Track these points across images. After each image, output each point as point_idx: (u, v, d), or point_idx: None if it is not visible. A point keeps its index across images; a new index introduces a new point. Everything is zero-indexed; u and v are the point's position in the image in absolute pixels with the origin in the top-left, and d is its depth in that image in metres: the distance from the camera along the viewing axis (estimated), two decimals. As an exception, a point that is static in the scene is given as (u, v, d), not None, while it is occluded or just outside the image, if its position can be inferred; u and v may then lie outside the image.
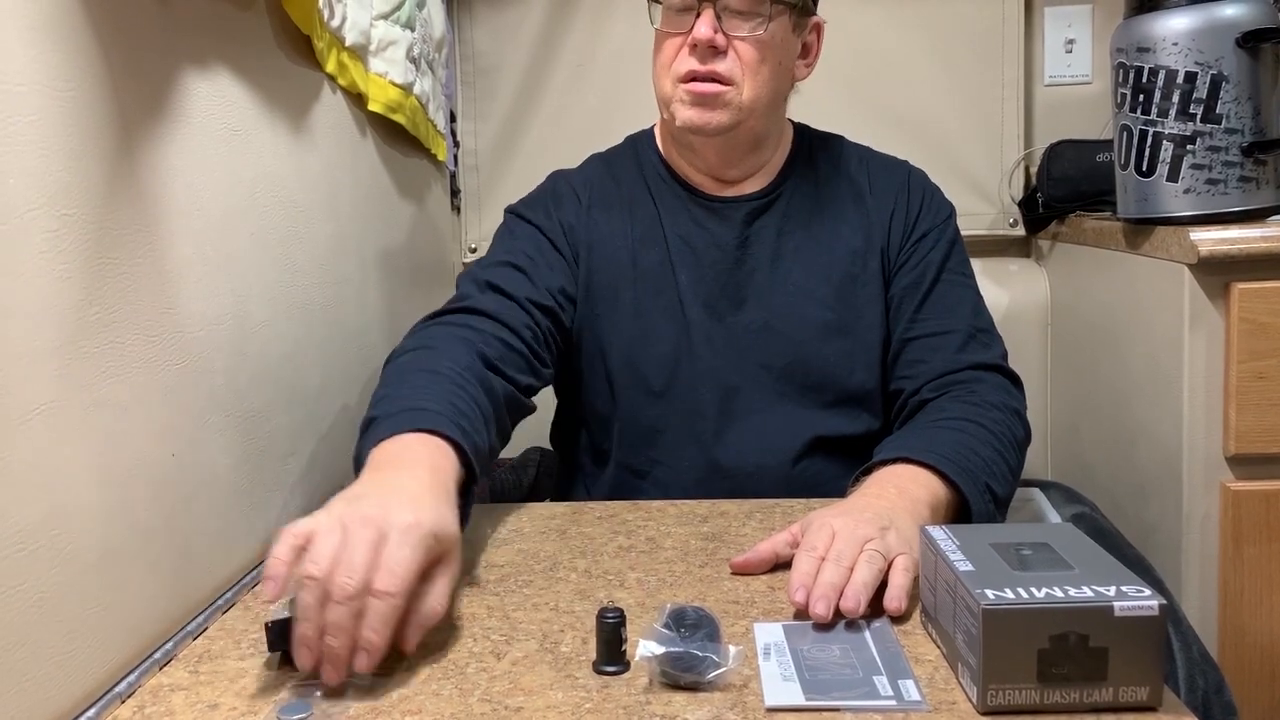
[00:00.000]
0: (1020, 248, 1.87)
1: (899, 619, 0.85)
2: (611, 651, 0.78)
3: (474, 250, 1.90)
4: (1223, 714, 1.11)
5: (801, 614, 0.85)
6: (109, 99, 0.78)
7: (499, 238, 1.28)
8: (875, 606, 0.85)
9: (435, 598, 0.78)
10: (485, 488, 1.07)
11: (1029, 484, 1.51)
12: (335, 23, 1.20)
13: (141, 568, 0.82)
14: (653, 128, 1.34)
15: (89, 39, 0.76)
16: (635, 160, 1.31)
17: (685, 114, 1.17)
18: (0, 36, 0.67)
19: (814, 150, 1.30)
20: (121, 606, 0.79)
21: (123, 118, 0.80)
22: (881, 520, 0.89)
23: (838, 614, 0.83)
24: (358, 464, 0.92)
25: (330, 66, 1.21)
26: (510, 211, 1.31)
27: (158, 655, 0.82)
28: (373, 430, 0.93)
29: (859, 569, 0.85)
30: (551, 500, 1.38)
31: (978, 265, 1.31)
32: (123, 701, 0.76)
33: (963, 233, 1.29)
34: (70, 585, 0.72)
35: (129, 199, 0.81)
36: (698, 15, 1.13)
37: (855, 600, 0.83)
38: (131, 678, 0.78)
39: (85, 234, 0.75)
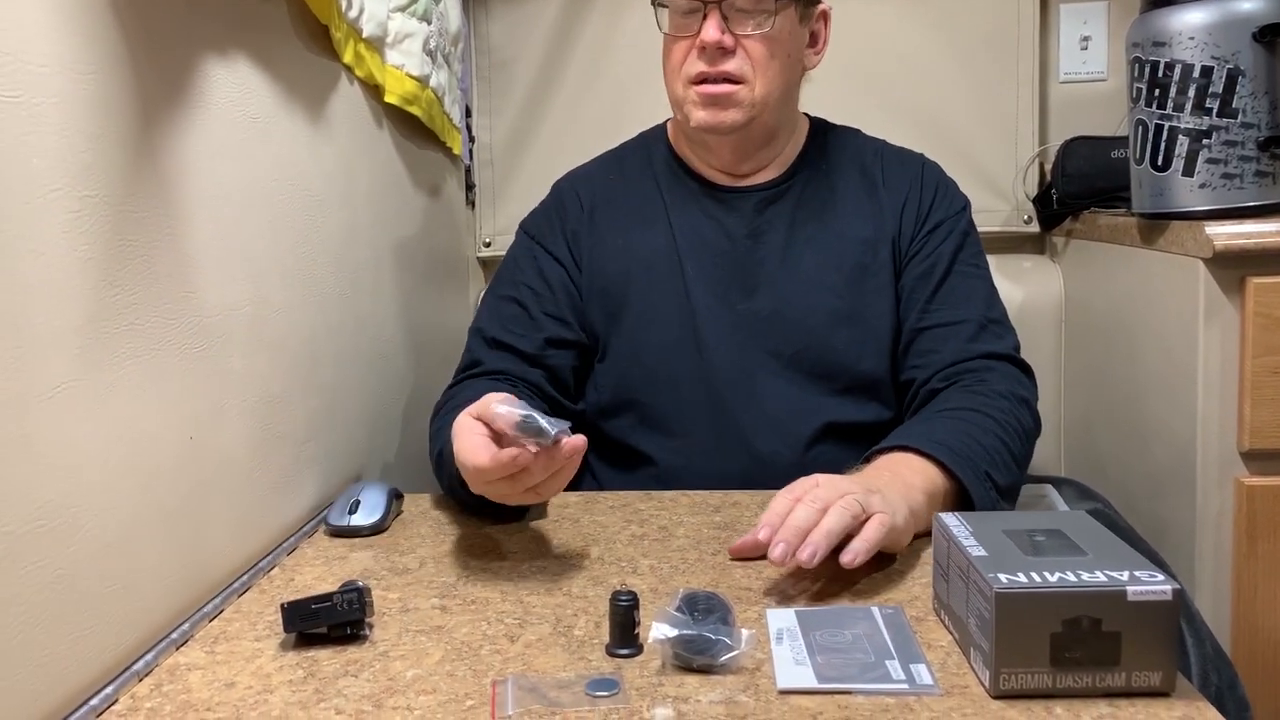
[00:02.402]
0: (1035, 244, 1.87)
1: (868, 596, 0.86)
2: (624, 634, 0.78)
3: (488, 244, 1.91)
4: (1236, 710, 1.10)
5: (814, 600, 0.85)
6: (130, 83, 0.79)
7: (508, 260, 1.33)
8: (881, 595, 0.85)
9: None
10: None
11: (1042, 480, 1.50)
12: (353, 14, 1.21)
13: (159, 549, 0.82)
14: (665, 123, 1.35)
15: (111, 22, 0.77)
16: (646, 155, 1.33)
17: (698, 115, 1.19)
18: (24, 18, 0.68)
19: (828, 142, 1.31)
20: (139, 586, 0.79)
21: (143, 102, 0.81)
22: (869, 486, 0.91)
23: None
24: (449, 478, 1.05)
25: (348, 57, 1.22)
26: (520, 227, 1.34)
27: (174, 635, 0.83)
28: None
29: (830, 514, 0.86)
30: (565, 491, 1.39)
31: (991, 261, 1.31)
32: (140, 679, 0.77)
33: (977, 229, 1.29)
34: (88, 563, 0.73)
35: (149, 182, 0.82)
36: (704, 17, 1.14)
37: (813, 547, 0.84)
38: (149, 656, 0.79)
39: (106, 216, 0.75)
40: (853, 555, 0.85)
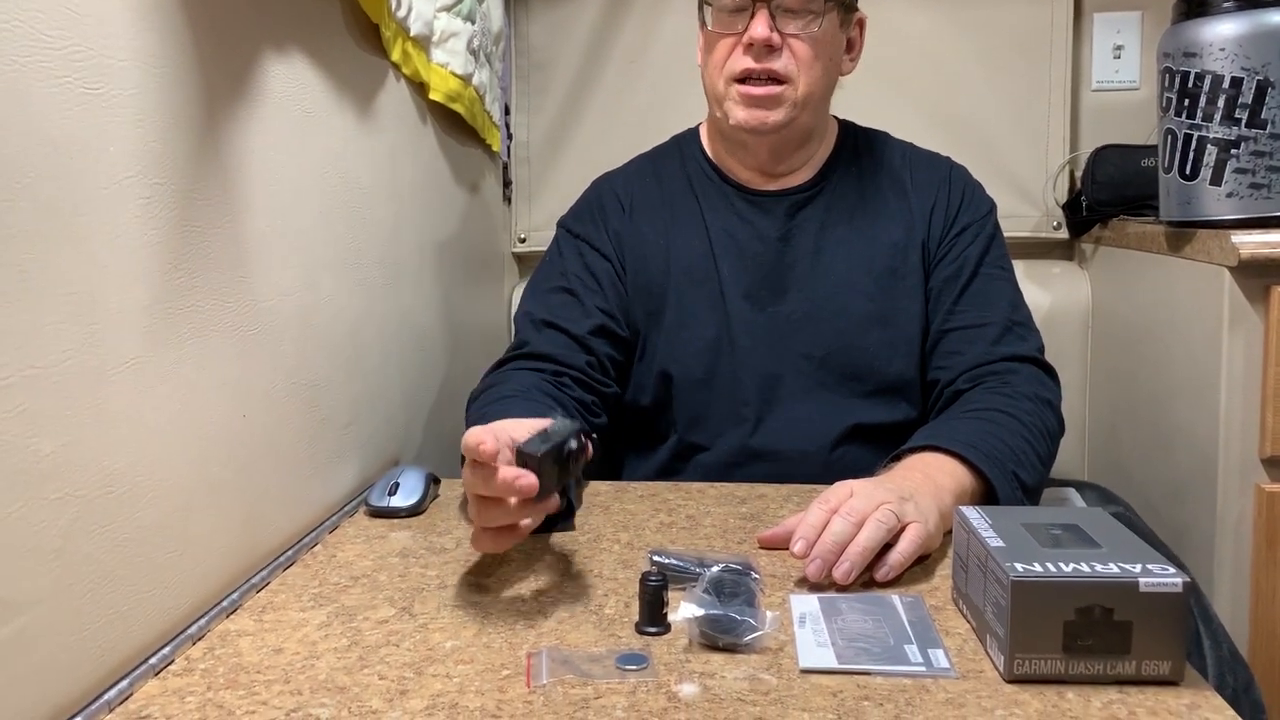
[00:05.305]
0: (1063, 250, 1.89)
1: (889, 585, 0.88)
2: (653, 613, 0.81)
3: (523, 240, 1.95)
4: (1251, 712, 1.12)
5: (836, 588, 0.88)
6: (197, 77, 0.83)
7: (550, 256, 1.34)
8: (902, 584, 0.88)
9: None
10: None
11: (1065, 484, 1.52)
12: (401, 13, 1.25)
13: (213, 519, 0.87)
14: (698, 126, 1.38)
15: (181, 19, 0.81)
16: (679, 158, 1.36)
17: (739, 114, 1.21)
18: (106, 14, 0.72)
19: (858, 145, 1.33)
20: (194, 554, 0.83)
21: (208, 95, 0.85)
22: (902, 492, 0.93)
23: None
24: None
25: (395, 55, 1.26)
26: (560, 225, 1.36)
27: (225, 604, 0.87)
28: None
29: (867, 527, 0.88)
30: (595, 481, 1.42)
31: (1020, 267, 1.33)
32: (194, 643, 0.81)
33: (1006, 234, 1.31)
34: (151, 530, 0.77)
35: (212, 171, 0.86)
36: (752, 15, 1.17)
37: (850, 564, 0.86)
38: (202, 621, 0.83)
39: (174, 202, 0.80)
40: (888, 569, 0.88)
